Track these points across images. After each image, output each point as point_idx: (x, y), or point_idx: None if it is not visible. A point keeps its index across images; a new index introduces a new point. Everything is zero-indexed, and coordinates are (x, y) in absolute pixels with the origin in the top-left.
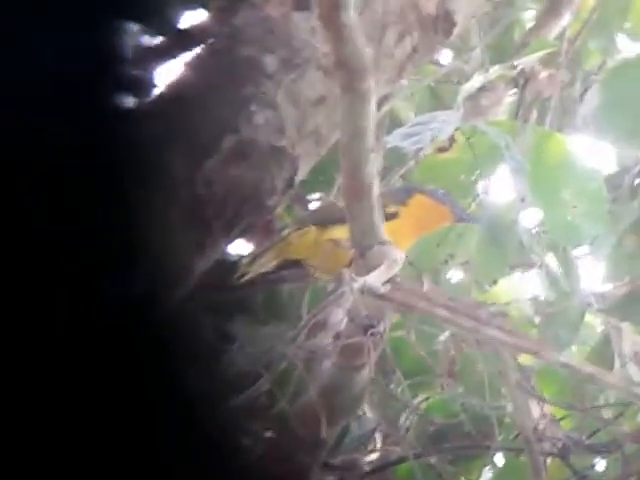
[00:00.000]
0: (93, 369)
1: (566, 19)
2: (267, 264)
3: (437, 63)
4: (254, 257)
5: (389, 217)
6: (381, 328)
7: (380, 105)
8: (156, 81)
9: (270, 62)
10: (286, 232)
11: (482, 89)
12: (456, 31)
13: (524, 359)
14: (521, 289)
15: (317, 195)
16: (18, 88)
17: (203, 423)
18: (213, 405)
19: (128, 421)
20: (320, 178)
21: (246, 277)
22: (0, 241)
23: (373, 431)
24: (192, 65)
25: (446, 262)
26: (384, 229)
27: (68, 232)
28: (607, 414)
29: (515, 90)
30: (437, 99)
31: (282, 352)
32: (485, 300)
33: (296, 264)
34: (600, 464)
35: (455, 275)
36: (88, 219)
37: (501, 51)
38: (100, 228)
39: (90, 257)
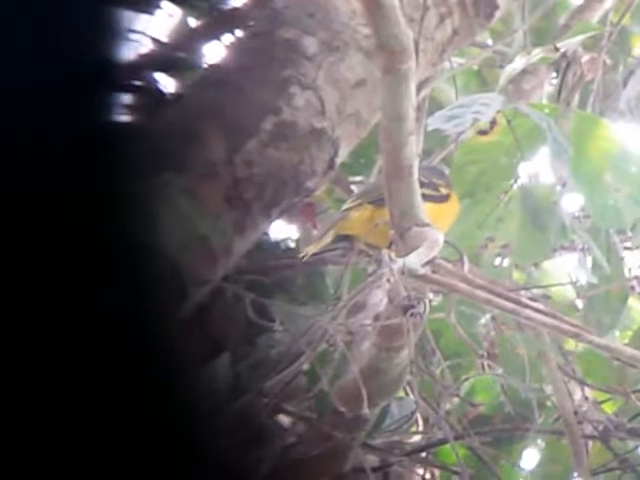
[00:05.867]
0: (102, 366)
1: (609, 2)
2: (326, 241)
3: (481, 45)
4: (320, 236)
5: (442, 198)
6: (421, 309)
7: (421, 88)
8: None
9: (310, 44)
10: (345, 208)
11: (524, 72)
12: (498, 14)
13: (565, 342)
14: (563, 272)
15: (358, 177)
16: (44, 68)
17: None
18: (246, 389)
19: (152, 414)
20: (361, 160)
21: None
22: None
23: (413, 413)
24: (233, 47)
25: (486, 246)
26: (435, 208)
27: (69, 231)
28: None
29: (557, 74)
30: (480, 82)
31: (323, 330)
32: (526, 283)
33: (346, 239)
34: None
35: (496, 259)
36: (96, 215)
37: (543, 34)
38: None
39: (95, 261)
